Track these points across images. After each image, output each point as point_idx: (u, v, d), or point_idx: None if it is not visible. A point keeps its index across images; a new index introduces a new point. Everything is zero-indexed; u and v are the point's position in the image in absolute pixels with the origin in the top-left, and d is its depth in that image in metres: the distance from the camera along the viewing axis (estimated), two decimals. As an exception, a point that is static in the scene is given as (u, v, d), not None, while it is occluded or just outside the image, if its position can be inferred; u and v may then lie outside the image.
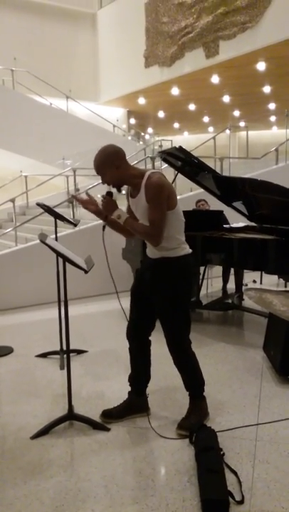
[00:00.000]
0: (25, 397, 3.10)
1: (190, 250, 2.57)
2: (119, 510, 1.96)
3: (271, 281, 6.35)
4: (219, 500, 1.92)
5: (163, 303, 2.54)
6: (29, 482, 2.17)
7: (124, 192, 2.61)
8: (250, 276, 6.30)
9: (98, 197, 2.49)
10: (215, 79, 11.92)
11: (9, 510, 1.98)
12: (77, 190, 7.86)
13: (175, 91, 13.06)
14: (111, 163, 2.41)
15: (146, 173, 2.43)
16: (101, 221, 2.57)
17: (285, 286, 6.24)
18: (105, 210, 2.47)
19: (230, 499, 1.96)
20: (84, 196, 2.59)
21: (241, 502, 1.99)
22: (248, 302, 5.31)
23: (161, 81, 12.36)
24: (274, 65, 10.66)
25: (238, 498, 2.00)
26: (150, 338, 2.73)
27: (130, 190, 2.55)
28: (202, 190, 5.00)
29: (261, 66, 10.78)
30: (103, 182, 2.50)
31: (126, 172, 2.45)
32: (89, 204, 2.53)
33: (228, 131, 10.33)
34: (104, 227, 2.57)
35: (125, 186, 2.55)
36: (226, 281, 5.76)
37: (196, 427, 2.48)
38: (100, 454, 2.40)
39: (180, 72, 11.69)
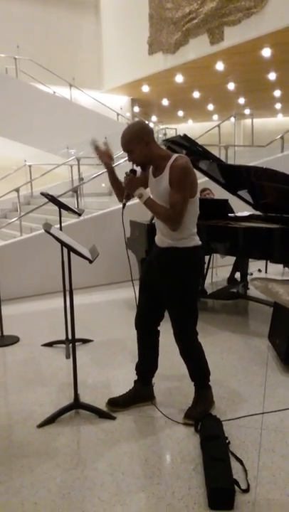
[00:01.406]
0: (31, 386, 3.12)
1: (200, 242, 2.53)
2: (126, 498, 1.98)
3: (276, 270, 6.33)
4: (225, 489, 1.93)
5: (170, 293, 2.52)
6: (36, 470, 2.19)
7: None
8: (255, 266, 6.29)
9: (127, 173, 2.44)
10: (219, 66, 11.78)
11: (16, 498, 2.00)
12: (81, 179, 7.83)
13: (179, 78, 12.93)
14: (140, 139, 2.37)
15: (173, 156, 2.39)
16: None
17: (291, 275, 6.22)
18: (128, 188, 2.42)
19: (236, 487, 1.97)
20: (102, 146, 2.52)
21: (247, 490, 2.00)
22: (253, 291, 5.30)
23: (165, 68, 12.23)
24: (279, 52, 10.51)
25: (243, 486, 2.01)
26: (159, 328, 2.73)
27: (152, 170, 2.50)
28: (207, 178, 4.97)
29: (266, 52, 10.63)
30: (130, 159, 2.45)
31: (154, 150, 2.41)
32: (105, 156, 2.49)
33: (232, 119, 10.25)
34: (124, 205, 2.53)
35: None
36: (236, 270, 5.70)
37: (201, 415, 2.49)
38: (106, 442, 2.41)
39: (184, 59, 11.56)
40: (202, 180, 6.39)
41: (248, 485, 2.03)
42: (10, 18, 12.57)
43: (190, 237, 2.49)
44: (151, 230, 4.18)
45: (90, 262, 2.61)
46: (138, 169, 2.50)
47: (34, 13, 13.11)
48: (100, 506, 1.93)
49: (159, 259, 2.55)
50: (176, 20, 11.45)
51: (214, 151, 5.40)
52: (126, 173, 2.43)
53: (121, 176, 2.53)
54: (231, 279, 5.74)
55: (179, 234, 2.45)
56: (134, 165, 2.48)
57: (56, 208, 3.82)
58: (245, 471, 2.13)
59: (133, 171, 2.43)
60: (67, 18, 13.79)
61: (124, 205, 2.53)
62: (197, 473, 2.12)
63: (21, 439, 2.47)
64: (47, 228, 2.55)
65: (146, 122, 2.44)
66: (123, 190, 2.52)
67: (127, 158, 2.48)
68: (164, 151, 2.49)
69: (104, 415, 2.66)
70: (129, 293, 2.71)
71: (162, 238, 2.53)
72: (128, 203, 2.61)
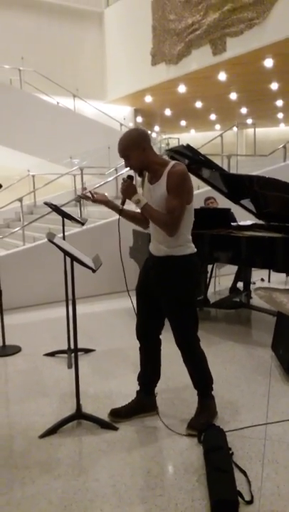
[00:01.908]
0: (33, 396, 3.11)
1: (195, 250, 2.54)
2: (128, 510, 1.95)
3: (279, 279, 6.31)
4: (229, 501, 1.91)
5: (169, 301, 2.52)
6: (37, 481, 2.17)
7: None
8: (258, 275, 6.27)
9: (124, 179, 2.45)
10: (222, 76, 11.85)
11: (17, 510, 1.98)
12: (84, 189, 7.86)
13: (182, 88, 13.01)
14: (138, 145, 2.39)
15: (170, 163, 2.42)
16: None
17: (294, 285, 6.20)
18: (125, 194, 2.43)
19: (240, 499, 1.95)
20: (88, 194, 2.58)
21: (250, 502, 1.97)
22: (255, 301, 5.27)
23: (167, 79, 12.32)
24: (281, 62, 10.58)
25: (247, 498, 1.99)
26: (160, 336, 2.72)
27: (148, 177, 2.53)
28: (209, 188, 4.98)
29: (269, 63, 10.70)
30: (126, 165, 2.47)
31: (151, 156, 2.43)
32: (99, 199, 2.53)
33: (235, 129, 10.29)
34: (120, 211, 2.54)
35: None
36: (238, 279, 5.68)
37: (204, 426, 2.46)
38: (108, 453, 2.39)
39: (187, 70, 11.64)
40: (204, 189, 6.43)
41: (252, 496, 2.00)
42: (14, 30, 12.71)
43: (186, 245, 2.50)
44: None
45: (93, 271, 2.61)
46: (135, 175, 2.52)
47: (38, 24, 13.26)
48: (102, 518, 1.91)
49: (156, 268, 2.55)
50: (179, 31, 11.56)
51: (217, 161, 5.42)
52: (123, 179, 2.45)
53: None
54: (233, 288, 5.72)
55: (175, 241, 2.45)
56: (132, 171, 2.50)
57: (59, 218, 3.83)
58: (249, 482, 2.10)
59: (130, 177, 2.45)
60: (71, 29, 13.94)
61: (120, 211, 2.54)
62: (200, 484, 2.10)
63: (23, 450, 2.45)
64: (50, 238, 2.55)
65: (144, 129, 2.47)
66: (140, 217, 2.55)
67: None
68: (160, 157, 2.51)
69: (107, 426, 2.64)
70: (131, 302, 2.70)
71: (158, 246, 2.53)
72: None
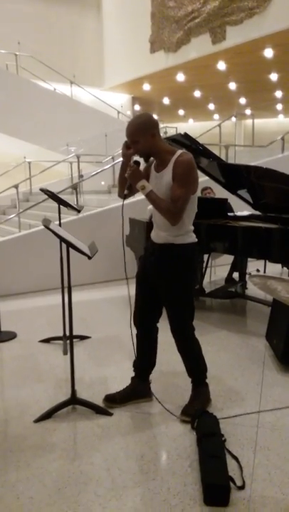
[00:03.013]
0: (28, 382, 3.12)
1: (196, 239, 2.55)
2: (121, 493, 1.98)
3: (275, 270, 6.34)
4: (220, 485, 1.94)
5: (167, 289, 2.53)
6: (32, 465, 2.20)
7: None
8: (254, 266, 6.29)
9: (131, 164, 2.43)
10: (221, 65, 11.77)
11: (12, 492, 2.00)
12: (81, 176, 7.83)
13: (180, 77, 12.92)
14: (148, 131, 2.37)
15: (177, 151, 2.41)
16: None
17: (289, 276, 6.23)
18: (131, 179, 2.41)
19: (231, 484, 1.98)
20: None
21: (242, 487, 2.00)
22: (251, 291, 5.31)
23: (166, 67, 12.22)
24: (281, 52, 10.51)
25: (239, 483, 2.02)
26: (157, 324, 2.74)
27: (154, 165, 2.51)
28: (207, 177, 4.97)
29: (268, 53, 10.63)
30: (134, 151, 2.44)
31: (159, 143, 2.42)
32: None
33: (233, 119, 10.25)
34: (125, 196, 2.52)
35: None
36: (234, 269, 5.69)
37: (198, 413, 2.49)
38: (102, 438, 2.42)
39: (186, 58, 11.55)
40: (202, 179, 6.41)
41: (244, 482, 2.04)
42: (11, 14, 12.53)
43: (187, 234, 2.50)
44: (150, 227, 4.18)
45: (89, 258, 2.61)
46: (141, 161, 2.50)
47: (36, 8, 13.07)
48: (96, 501, 1.94)
49: (156, 255, 2.56)
50: (179, 18, 11.44)
51: (215, 151, 5.40)
52: (129, 164, 2.43)
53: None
54: (229, 278, 5.74)
55: (177, 230, 2.46)
56: (138, 156, 2.48)
57: (55, 206, 3.82)
58: (241, 468, 2.14)
59: (137, 162, 2.43)
60: (68, 14, 13.76)
61: (125, 196, 2.52)
62: (193, 469, 2.13)
63: (17, 434, 2.47)
64: (46, 224, 2.55)
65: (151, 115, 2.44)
66: (124, 183, 2.52)
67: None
68: (168, 145, 2.50)
69: (101, 411, 2.66)
70: (128, 290, 2.71)
71: (160, 233, 2.53)
72: (126, 201, 2.61)
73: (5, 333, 4.09)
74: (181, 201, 2.36)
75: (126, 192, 2.50)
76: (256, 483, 2.04)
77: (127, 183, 2.45)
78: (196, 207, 2.54)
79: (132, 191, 2.51)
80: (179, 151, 2.41)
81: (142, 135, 2.37)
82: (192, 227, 2.54)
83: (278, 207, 4.60)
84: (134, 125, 2.38)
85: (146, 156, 2.48)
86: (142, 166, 2.52)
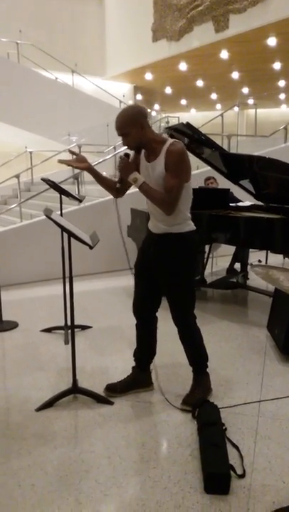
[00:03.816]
0: (29, 371, 3.14)
1: (194, 227, 2.54)
2: (122, 481, 1.99)
3: (277, 260, 6.32)
4: (221, 474, 1.95)
5: (168, 278, 2.53)
6: (33, 452, 2.21)
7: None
8: (255, 256, 6.28)
9: (121, 156, 2.42)
10: (224, 54, 11.65)
11: (13, 480, 2.02)
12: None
13: (183, 66, 12.80)
14: (136, 123, 2.35)
15: (168, 140, 2.38)
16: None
17: (290, 266, 6.22)
18: (122, 172, 2.40)
19: (232, 473, 1.99)
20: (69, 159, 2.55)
21: (242, 476, 2.01)
22: (252, 281, 5.30)
23: (168, 56, 12.10)
24: (285, 41, 10.40)
25: (239, 472, 2.03)
26: (157, 314, 2.74)
27: (145, 155, 2.49)
28: (209, 167, 4.94)
29: (272, 41, 10.52)
30: (124, 143, 2.43)
31: (149, 134, 2.40)
32: (80, 163, 2.50)
33: (236, 109, 10.18)
34: (117, 190, 2.52)
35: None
36: (235, 260, 5.68)
37: (199, 402, 2.50)
38: (103, 426, 2.43)
39: (188, 47, 11.43)
40: (204, 169, 6.38)
41: (244, 471, 2.05)
42: (13, 2, 12.39)
43: (185, 222, 2.49)
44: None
45: (91, 247, 2.61)
46: (131, 153, 2.49)
47: (37, -3, 12.94)
48: (97, 488, 1.95)
49: (155, 246, 2.55)
50: (181, 6, 11.30)
51: (217, 141, 5.37)
52: (120, 157, 2.42)
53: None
54: (231, 269, 5.74)
55: (174, 219, 2.44)
56: (128, 149, 2.46)
57: (56, 196, 3.81)
58: (242, 457, 2.15)
59: (127, 155, 2.42)
60: (70, 3, 13.61)
61: (118, 190, 2.53)
62: (194, 458, 2.14)
63: (19, 422, 2.48)
64: (48, 213, 2.54)
65: (142, 106, 2.42)
66: (111, 184, 2.53)
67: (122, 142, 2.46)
68: (158, 134, 2.48)
69: (102, 400, 2.67)
70: (129, 280, 2.72)
71: (157, 224, 2.52)
72: (128, 192, 2.60)
73: (7, 322, 4.11)
74: (175, 191, 2.35)
75: (118, 185, 2.49)
76: (257, 471, 2.05)
77: (119, 176, 2.44)
78: (192, 194, 2.52)
79: (124, 185, 2.50)
80: (170, 140, 2.38)
81: (131, 127, 2.35)
82: (189, 215, 2.52)
83: (281, 197, 4.58)
84: (122, 118, 2.37)
85: (137, 148, 2.46)
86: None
